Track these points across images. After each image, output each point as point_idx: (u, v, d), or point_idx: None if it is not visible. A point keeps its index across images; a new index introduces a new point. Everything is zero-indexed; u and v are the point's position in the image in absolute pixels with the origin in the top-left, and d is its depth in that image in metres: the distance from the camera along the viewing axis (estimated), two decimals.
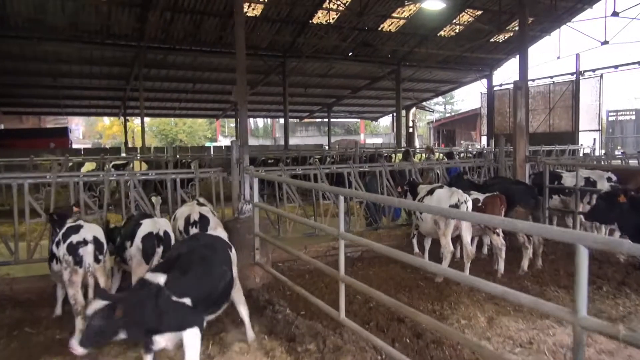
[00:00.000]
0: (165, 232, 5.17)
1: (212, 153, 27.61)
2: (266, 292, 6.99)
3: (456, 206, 7.27)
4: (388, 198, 7.12)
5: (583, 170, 9.77)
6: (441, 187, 7.81)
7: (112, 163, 13.32)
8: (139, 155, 21.20)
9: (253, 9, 17.69)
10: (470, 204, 7.30)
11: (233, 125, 58.36)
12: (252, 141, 54.53)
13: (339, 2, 17.49)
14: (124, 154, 24.89)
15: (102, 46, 18.36)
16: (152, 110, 30.07)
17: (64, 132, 28.09)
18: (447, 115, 74.31)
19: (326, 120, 33.65)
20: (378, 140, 50.15)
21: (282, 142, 57.26)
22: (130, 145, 76.68)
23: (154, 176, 8.17)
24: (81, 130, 70.93)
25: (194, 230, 5.90)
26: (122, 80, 22.41)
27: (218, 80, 24.00)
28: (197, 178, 8.02)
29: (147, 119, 30.01)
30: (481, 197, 7.64)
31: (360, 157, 15.74)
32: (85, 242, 4.62)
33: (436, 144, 53.72)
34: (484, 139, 27.49)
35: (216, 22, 17.98)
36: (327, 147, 25.51)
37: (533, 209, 7.58)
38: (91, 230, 4.78)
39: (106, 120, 61.75)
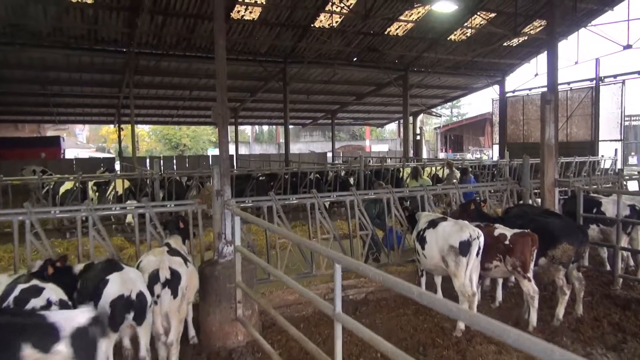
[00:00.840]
0: (140, 295, 4.16)
1: (210, 162, 26.53)
2: (250, 355, 5.78)
3: (468, 244, 6.10)
4: None
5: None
6: (444, 218, 6.65)
7: (93, 182, 12.12)
8: (120, 166, 20.15)
9: (250, 12, 16.51)
10: (482, 241, 6.13)
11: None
12: (255, 147, 53.49)
13: (342, 5, 16.27)
14: (118, 164, 23.81)
15: (91, 52, 17.23)
16: (150, 118, 29.00)
17: (55, 141, 27.03)
18: (454, 118, 73.26)
19: (337, 119, 32.40)
20: (384, 147, 48.92)
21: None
22: (136, 151, 76.02)
23: (116, 211, 6.93)
24: (85, 135, 70.26)
25: (162, 292, 4.71)
26: (115, 87, 21.30)
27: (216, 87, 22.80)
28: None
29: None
30: (508, 232, 6.43)
31: (365, 174, 14.51)
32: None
33: (443, 150, 52.48)
34: (495, 148, 26.11)
35: (211, 27, 16.76)
36: (330, 156, 24.24)
37: (579, 247, 6.32)
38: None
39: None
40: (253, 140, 56.79)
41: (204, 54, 18.41)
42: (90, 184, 12.05)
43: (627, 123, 24.62)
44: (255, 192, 13.28)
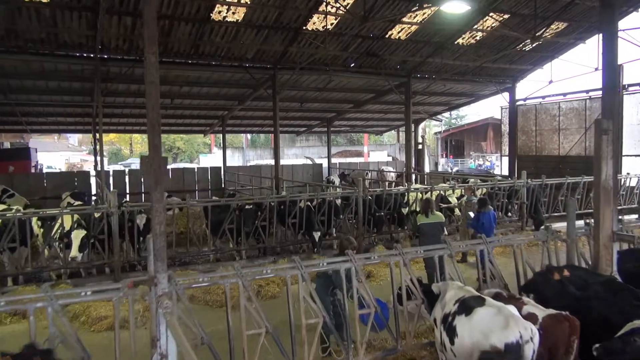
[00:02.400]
0: None
1: (196, 177, 24.49)
2: None
3: (517, 347, 4.33)
4: None
5: None
6: (481, 299, 4.77)
7: (37, 217, 10.08)
8: (96, 183, 18.07)
9: (234, 13, 14.49)
10: (537, 342, 4.45)
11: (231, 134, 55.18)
12: (249, 153, 51.41)
13: (338, 5, 14.26)
14: (93, 179, 21.78)
15: (54, 58, 15.19)
16: (132, 127, 26.93)
17: (24, 153, 24.88)
18: (453, 120, 71.38)
19: (334, 127, 30.32)
20: (382, 154, 46.94)
21: (281, 153, 54.36)
22: (130, 154, 73.11)
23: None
24: (77, 137, 68.16)
25: None
26: (87, 96, 19.24)
27: (200, 95, 20.81)
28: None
29: None
30: (539, 312, 4.88)
31: (365, 200, 12.50)
32: None
33: (444, 155, 50.55)
34: (504, 161, 24.13)
35: (189, 29, 14.79)
36: (326, 166, 22.12)
37: None
38: None
39: None
40: (247, 145, 54.67)
41: (182, 60, 16.40)
42: (35, 219, 10.01)
43: None
44: (236, 225, 11.27)
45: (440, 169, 42.28)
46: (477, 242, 6.91)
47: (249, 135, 54.92)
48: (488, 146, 52.54)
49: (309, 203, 11.98)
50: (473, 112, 69.39)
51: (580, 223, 7.42)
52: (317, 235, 11.72)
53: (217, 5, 13.88)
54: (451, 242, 6.66)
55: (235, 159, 51.95)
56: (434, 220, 9.58)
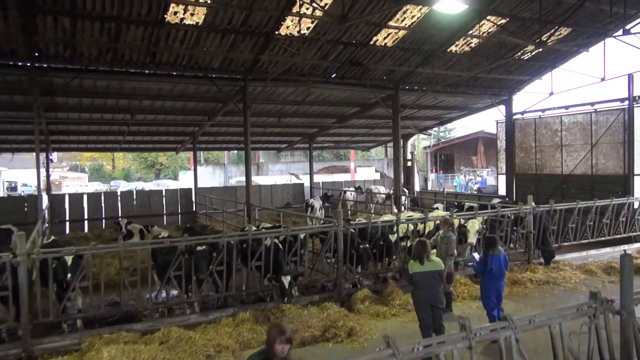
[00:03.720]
0: None
1: (164, 200, 22.18)
2: None
3: None
4: None
5: None
6: None
7: None
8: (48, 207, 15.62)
9: (192, 14, 12.41)
10: None
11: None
12: (231, 169, 49.12)
13: (314, 5, 12.25)
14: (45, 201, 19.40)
15: None
16: (93, 145, 24.57)
17: None
18: (441, 133, 69.89)
19: (317, 143, 28.18)
20: (370, 170, 44.98)
21: (266, 169, 52.27)
22: (113, 170, 70.52)
23: None
24: (56, 153, 65.25)
25: None
26: (32, 111, 16.92)
27: (164, 110, 18.60)
28: None
29: None
30: None
31: (346, 235, 10.35)
32: None
33: (433, 170, 48.70)
34: (502, 180, 22.18)
35: (142, 34, 12.67)
36: (308, 186, 19.99)
37: None
38: None
39: None
40: (229, 161, 52.37)
41: (137, 69, 14.25)
42: None
43: None
44: (185, 271, 9.02)
45: (430, 185, 40.35)
46: (501, 326, 4.73)
47: (230, 152, 52.77)
48: (479, 161, 50.88)
49: (276, 240, 9.79)
50: (461, 125, 68.05)
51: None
52: (286, 280, 9.56)
53: (172, 5, 11.80)
54: (470, 325, 4.48)
55: (216, 177, 49.66)
56: (430, 268, 7.48)
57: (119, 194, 23.08)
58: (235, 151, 52.67)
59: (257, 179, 45.49)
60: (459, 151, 53.49)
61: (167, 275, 8.81)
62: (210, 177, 49.41)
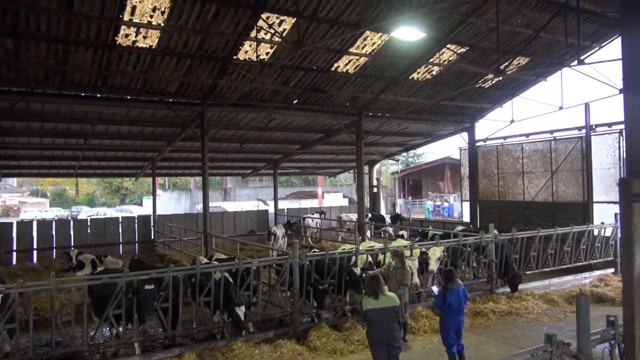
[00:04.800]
0: None
1: (120, 229, 21.24)
2: None
3: None
4: None
5: None
6: None
7: None
8: None
9: (145, 37, 11.97)
10: None
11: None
12: (197, 195, 48.02)
13: (272, 30, 12.00)
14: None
15: None
16: (47, 170, 23.57)
17: None
18: (410, 159, 70.64)
19: (282, 169, 27.71)
20: (338, 195, 44.75)
21: (233, 194, 51.37)
22: (76, 195, 67.97)
23: None
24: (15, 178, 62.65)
25: None
26: None
27: (121, 135, 17.91)
28: None
29: None
30: None
31: (302, 267, 9.88)
32: None
33: (401, 196, 48.87)
34: (466, 207, 22.17)
35: (92, 56, 12.13)
36: (268, 229, 19.43)
37: None
38: None
39: None
40: (195, 187, 51.26)
41: (88, 93, 13.64)
42: None
43: None
44: (125, 310, 8.34)
45: (398, 211, 40.33)
46: None
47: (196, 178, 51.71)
48: (446, 186, 51.35)
49: (226, 274, 9.22)
50: (429, 151, 69.06)
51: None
52: (241, 312, 9.00)
53: (123, 27, 11.35)
54: None
55: (182, 203, 48.52)
56: (385, 304, 7.08)
57: (71, 221, 22.00)
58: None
59: (224, 205, 44.58)
60: (427, 177, 53.99)
61: (106, 314, 8.12)
62: (175, 203, 48.20)
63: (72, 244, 19.77)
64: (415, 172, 53.71)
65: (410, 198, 49.12)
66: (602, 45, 16.33)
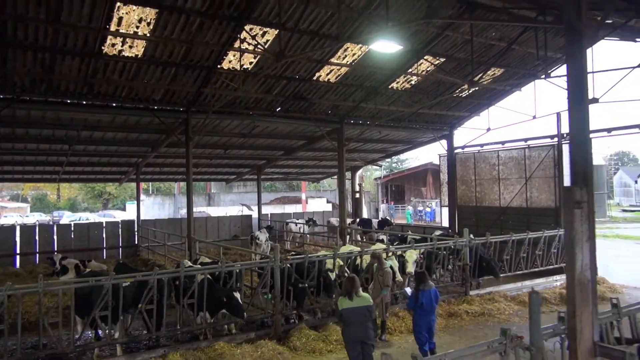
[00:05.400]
0: None
1: (104, 234, 21.37)
2: None
3: None
4: None
5: None
6: None
7: None
8: None
9: (131, 47, 12.30)
10: None
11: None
12: (181, 200, 48.07)
13: (256, 42, 12.42)
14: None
15: None
16: (30, 175, 23.57)
17: None
18: (394, 164, 71.46)
19: (266, 174, 28.04)
20: (322, 201, 45.22)
21: (217, 199, 51.42)
22: (58, 200, 67.26)
23: None
24: None
25: None
26: None
27: (105, 141, 18.13)
28: None
29: None
30: None
31: (283, 270, 10.28)
32: None
33: (384, 201, 49.52)
34: (445, 212, 22.77)
35: (78, 65, 12.40)
36: (252, 234, 19.74)
37: None
38: None
39: None
40: (180, 192, 51.28)
41: (73, 100, 13.88)
42: None
43: None
44: (112, 309, 8.64)
45: (381, 215, 40.93)
46: None
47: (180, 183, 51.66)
48: (428, 192, 52.15)
49: (209, 276, 9.58)
50: (413, 157, 70.00)
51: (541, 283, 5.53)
52: (238, 296, 9.38)
53: (109, 37, 11.67)
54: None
55: (166, 208, 48.51)
56: (359, 304, 7.52)
57: (54, 226, 22.05)
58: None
59: (208, 210, 44.72)
60: (409, 182, 54.74)
61: (92, 315, 8.41)
62: (159, 207, 48.18)
63: (55, 249, 19.84)
64: (398, 178, 54.46)
65: (392, 203, 49.80)
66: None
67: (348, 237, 19.67)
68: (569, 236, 4.77)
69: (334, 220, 24.91)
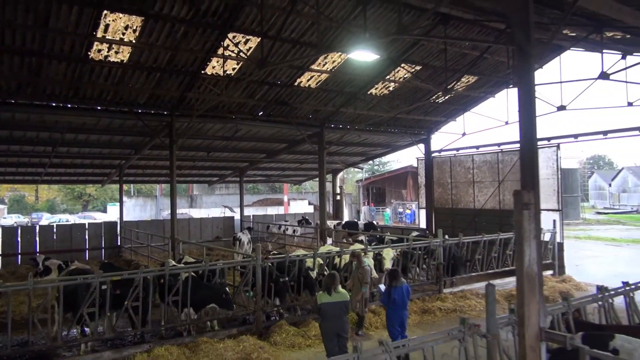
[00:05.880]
0: None
1: (87, 235, 21.53)
2: None
3: None
4: None
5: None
6: None
7: None
8: None
9: (117, 52, 12.65)
10: None
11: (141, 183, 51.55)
12: (163, 202, 48.11)
13: (239, 49, 12.89)
14: None
15: None
16: (12, 177, 23.58)
17: None
18: (375, 167, 72.38)
19: (248, 176, 28.43)
20: (303, 203, 45.70)
21: (200, 201, 51.50)
22: (36, 201, 66.42)
23: None
24: None
25: None
26: None
27: (89, 143, 18.36)
28: None
29: None
30: None
31: (264, 268, 10.75)
32: None
33: (365, 203, 50.26)
34: (422, 214, 23.48)
35: (64, 69, 12.70)
36: (234, 235, 20.11)
37: None
38: None
39: None
40: (161, 194, 51.27)
41: (59, 103, 14.14)
42: None
43: None
44: (99, 305, 9.02)
45: (362, 217, 41.64)
46: (381, 350, 5.34)
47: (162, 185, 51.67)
48: (408, 194, 53.04)
49: (193, 274, 10.00)
50: (394, 159, 70.98)
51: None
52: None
53: (96, 43, 12.01)
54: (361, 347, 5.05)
55: (147, 209, 48.45)
56: (337, 299, 8.05)
57: (37, 227, 22.13)
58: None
59: (191, 212, 44.85)
60: (390, 185, 55.57)
61: (80, 312, 8.78)
62: (141, 209, 48.11)
63: (38, 250, 19.96)
64: (379, 180, 55.26)
65: (373, 205, 50.57)
66: (542, 66, 17.86)
67: (330, 238, 20.22)
68: (518, 234, 5.35)
69: (330, 223, 25.43)
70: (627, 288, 7.89)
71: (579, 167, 61.49)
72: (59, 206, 65.74)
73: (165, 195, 53.53)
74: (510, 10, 5.92)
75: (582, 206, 52.77)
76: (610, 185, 75.10)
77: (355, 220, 28.79)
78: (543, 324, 5.41)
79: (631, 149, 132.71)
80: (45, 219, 48.31)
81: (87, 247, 21.76)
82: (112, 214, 49.12)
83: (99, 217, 47.06)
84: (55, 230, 21.50)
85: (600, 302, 7.50)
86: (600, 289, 7.62)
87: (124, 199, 49.38)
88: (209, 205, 49.73)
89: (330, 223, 25.39)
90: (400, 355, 7.22)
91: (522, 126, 5.67)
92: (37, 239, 20.74)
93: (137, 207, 48.09)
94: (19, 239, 20.39)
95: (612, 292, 7.73)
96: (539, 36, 12.00)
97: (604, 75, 12.83)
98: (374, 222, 27.36)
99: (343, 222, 25.21)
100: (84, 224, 22.46)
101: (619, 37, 12.74)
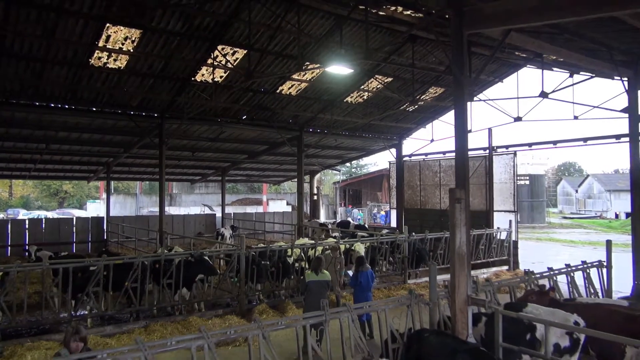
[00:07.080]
0: None
1: (74, 229, 22.50)
2: None
3: None
4: None
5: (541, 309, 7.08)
6: None
7: None
8: None
9: (115, 60, 13.88)
10: None
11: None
12: (143, 199, 48.85)
13: (226, 59, 14.26)
14: None
15: None
16: (1, 172, 24.36)
17: None
18: (353, 169, 74.15)
19: (230, 176, 29.71)
20: (282, 203, 47.01)
21: (179, 199, 52.31)
22: (10, 198, 65.93)
23: None
24: None
25: None
26: None
27: (81, 141, 19.42)
28: None
29: None
30: None
31: (247, 257, 12.14)
32: None
33: (342, 204, 51.86)
34: (393, 214, 25.13)
35: (65, 73, 13.87)
36: (217, 230, 21.32)
37: None
38: None
39: None
40: (141, 192, 51.93)
41: (57, 104, 15.26)
42: None
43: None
44: (103, 287, 10.29)
45: (338, 217, 43.18)
46: (341, 310, 6.84)
47: (143, 183, 52.32)
48: (383, 196, 54.85)
49: (188, 257, 11.35)
50: (372, 162, 72.87)
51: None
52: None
53: (97, 52, 13.23)
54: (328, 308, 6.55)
55: (127, 207, 49.02)
56: (321, 278, 9.54)
57: (26, 220, 23.00)
58: (148, 182, 52.35)
59: (170, 210, 45.65)
60: (366, 187, 57.33)
61: (87, 290, 10.03)
62: (120, 206, 48.65)
63: (27, 242, 20.87)
64: (356, 183, 56.96)
65: (350, 207, 52.22)
66: (503, 79, 19.67)
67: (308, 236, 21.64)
68: (451, 222, 6.92)
69: (317, 221, 26.93)
70: (551, 272, 9.61)
71: (544, 173, 64.26)
72: (33, 203, 65.46)
73: (145, 192, 54.18)
74: (450, 48, 7.50)
75: (549, 211, 55.43)
76: (577, 191, 78.34)
77: (349, 220, 30.36)
78: (470, 292, 6.98)
79: (600, 157, 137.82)
80: (23, 215, 48.46)
81: (74, 240, 22.71)
82: (91, 210, 49.52)
83: (77, 214, 47.49)
84: (44, 223, 22.42)
85: (525, 284, 9.19)
86: (527, 272, 9.30)
87: (103, 195, 49.88)
88: (189, 204, 50.56)
89: (328, 222, 26.97)
90: (365, 330, 8.85)
91: (457, 139, 7.25)
92: (27, 231, 21.64)
93: (117, 204, 48.59)
94: (9, 232, 21.26)
95: (538, 275, 9.44)
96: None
97: (543, 94, 14.59)
98: (365, 225, 28.95)
99: (337, 222, 26.77)
100: (72, 219, 23.42)
101: (561, 59, 14.53)
